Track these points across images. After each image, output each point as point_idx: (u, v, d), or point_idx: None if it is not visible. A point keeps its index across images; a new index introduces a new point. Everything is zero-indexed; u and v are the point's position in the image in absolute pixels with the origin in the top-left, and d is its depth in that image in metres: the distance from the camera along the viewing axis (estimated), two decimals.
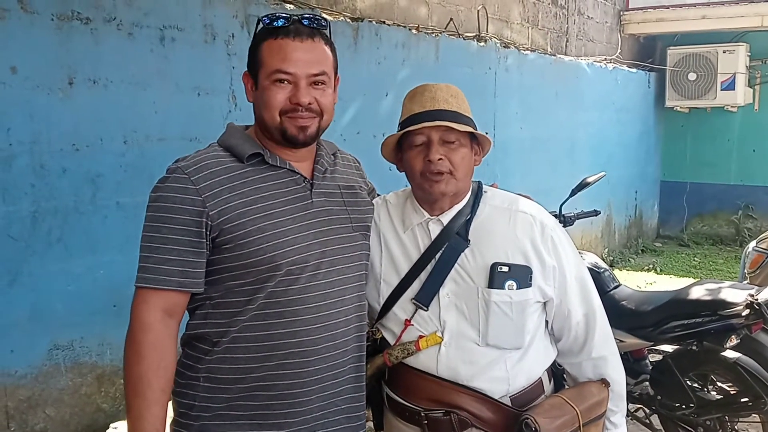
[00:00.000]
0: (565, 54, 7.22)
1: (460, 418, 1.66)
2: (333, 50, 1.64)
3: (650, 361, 3.25)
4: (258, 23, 1.62)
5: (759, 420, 3.00)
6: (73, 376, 3.22)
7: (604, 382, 1.77)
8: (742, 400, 2.94)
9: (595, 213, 3.56)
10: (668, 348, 3.20)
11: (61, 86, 3.08)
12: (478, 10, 5.85)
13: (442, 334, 1.68)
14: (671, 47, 8.58)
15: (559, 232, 1.75)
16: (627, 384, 1.90)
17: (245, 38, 3.72)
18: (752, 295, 2.88)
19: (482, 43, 5.78)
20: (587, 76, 7.36)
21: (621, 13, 8.43)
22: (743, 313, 2.86)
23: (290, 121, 1.57)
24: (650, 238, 9.06)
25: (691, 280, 4.53)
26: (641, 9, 8.40)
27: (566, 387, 1.83)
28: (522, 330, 1.68)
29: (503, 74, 6.00)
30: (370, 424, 1.87)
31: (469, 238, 1.70)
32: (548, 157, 6.68)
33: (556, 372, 1.84)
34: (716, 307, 2.92)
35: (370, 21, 4.69)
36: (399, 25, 4.99)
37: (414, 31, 5.08)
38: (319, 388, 1.59)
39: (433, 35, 5.27)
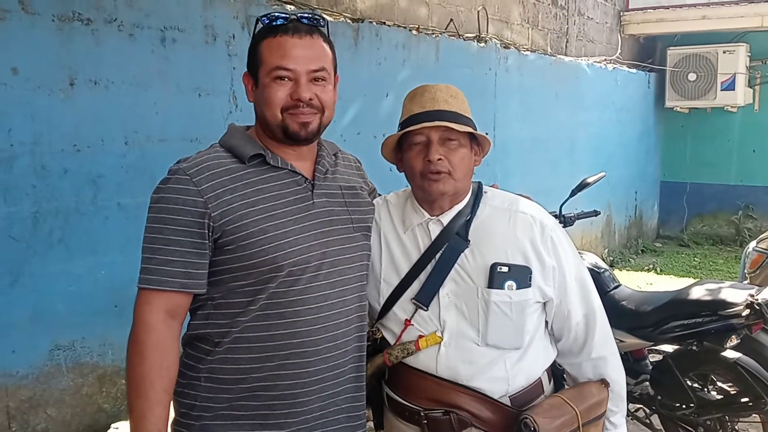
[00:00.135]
0: (565, 54, 7.22)
1: (460, 417, 1.66)
2: (332, 48, 1.65)
3: (650, 361, 3.25)
4: (257, 23, 1.63)
5: (759, 420, 3.00)
6: (75, 377, 3.22)
7: (604, 383, 1.77)
8: (743, 400, 2.94)
9: (595, 213, 3.56)
10: (668, 348, 3.21)
11: (62, 87, 3.09)
12: (478, 11, 5.86)
13: (442, 334, 1.68)
14: (671, 47, 8.58)
15: (558, 233, 1.76)
16: (627, 384, 1.90)
17: (246, 39, 3.72)
18: (752, 295, 2.88)
19: (482, 44, 5.78)
20: (587, 77, 7.36)
21: (621, 13, 8.44)
22: (743, 313, 2.86)
23: (292, 118, 1.58)
24: (650, 239, 9.07)
25: (691, 281, 4.53)
26: (641, 9, 8.41)
27: (566, 387, 1.83)
28: (521, 330, 1.69)
29: (503, 75, 6.01)
30: (371, 423, 1.87)
31: (469, 238, 1.71)
32: (548, 157, 6.68)
33: (556, 372, 1.84)
34: (716, 307, 2.92)
35: (371, 22, 4.70)
36: (399, 26, 5.00)
37: (414, 31, 5.09)
38: (319, 388, 1.59)
39: (434, 36, 5.27)
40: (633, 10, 8.44)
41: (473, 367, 1.67)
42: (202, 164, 1.55)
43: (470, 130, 1.68)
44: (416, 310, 1.71)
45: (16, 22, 2.94)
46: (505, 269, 1.66)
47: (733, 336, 2.94)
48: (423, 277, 1.71)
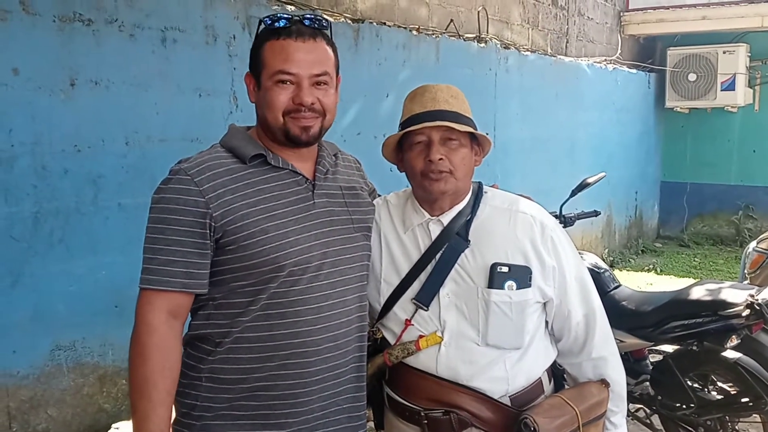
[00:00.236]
0: (565, 55, 7.22)
1: (460, 417, 1.67)
2: (334, 50, 1.65)
3: (651, 362, 3.25)
4: (260, 24, 1.63)
5: (759, 420, 3.00)
6: (75, 377, 3.23)
7: (604, 383, 1.78)
8: (743, 400, 2.94)
9: (596, 213, 3.56)
10: (669, 348, 3.21)
11: (62, 87, 3.09)
12: (478, 11, 5.86)
13: (442, 334, 1.68)
14: (671, 48, 8.58)
15: (558, 233, 1.76)
16: (627, 384, 1.90)
17: (246, 39, 3.72)
18: (752, 296, 2.88)
19: (482, 44, 5.78)
20: (587, 77, 7.36)
21: (621, 13, 8.44)
22: (743, 314, 2.86)
23: (293, 122, 1.58)
24: (650, 239, 9.07)
25: (691, 281, 4.53)
26: (641, 10, 8.41)
27: (566, 387, 1.84)
28: (522, 330, 1.69)
29: (503, 75, 6.01)
30: (371, 424, 1.87)
31: (470, 238, 1.71)
32: (548, 157, 6.69)
33: (557, 372, 1.84)
34: (716, 307, 2.92)
35: (371, 22, 4.70)
36: (399, 27, 5.00)
37: (414, 32, 5.09)
38: (320, 388, 1.59)
39: (434, 36, 5.27)
40: (633, 10, 8.44)
41: (473, 367, 1.67)
42: (204, 164, 1.55)
43: (471, 130, 1.68)
44: (416, 310, 1.71)
45: (17, 23, 2.94)
46: (505, 269, 1.66)
47: (734, 336, 2.94)
48: (423, 277, 1.71)
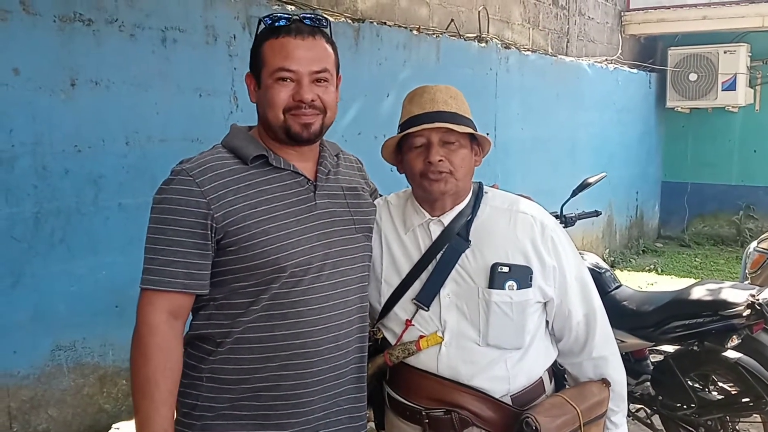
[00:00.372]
0: (566, 55, 7.22)
1: (461, 417, 1.67)
2: (334, 48, 1.65)
3: (651, 362, 3.25)
4: (259, 24, 1.63)
5: (760, 420, 3.00)
6: (76, 377, 3.23)
7: (605, 382, 1.78)
8: (744, 400, 2.94)
9: (596, 213, 3.56)
10: (669, 348, 3.21)
11: (63, 87, 3.09)
12: (479, 11, 5.86)
13: (443, 334, 1.68)
14: (672, 48, 8.58)
15: (559, 233, 1.76)
16: (628, 384, 1.90)
17: (247, 39, 3.72)
18: (753, 296, 2.88)
19: (483, 44, 5.78)
20: (588, 77, 7.36)
21: (622, 13, 8.44)
22: (744, 314, 2.86)
23: (294, 119, 1.58)
24: (651, 239, 9.06)
25: (692, 281, 4.52)
26: (642, 9, 8.40)
27: (567, 387, 1.84)
28: (522, 330, 1.69)
29: (504, 75, 6.01)
30: (372, 424, 1.87)
31: (470, 238, 1.71)
32: (549, 157, 6.68)
33: (557, 372, 1.84)
34: (717, 307, 2.92)
35: (371, 22, 4.70)
36: (400, 26, 5.00)
37: (415, 32, 5.09)
38: (322, 388, 1.59)
39: (434, 36, 5.27)
40: (634, 10, 8.44)
41: (474, 367, 1.67)
42: (205, 165, 1.55)
43: (470, 131, 1.68)
44: (417, 310, 1.71)
45: (18, 23, 2.94)
46: (505, 269, 1.66)
47: (734, 336, 2.94)
48: (424, 277, 1.71)
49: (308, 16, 1.61)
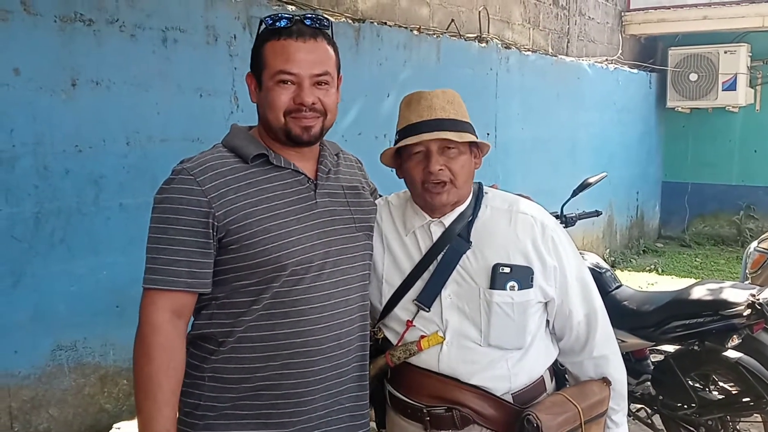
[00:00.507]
0: (566, 55, 7.22)
1: (463, 414, 1.67)
2: (335, 50, 1.65)
3: (652, 361, 3.25)
4: (260, 24, 1.63)
5: (761, 420, 3.00)
6: (76, 377, 3.23)
7: (606, 381, 1.78)
8: (744, 399, 2.94)
9: (597, 213, 3.57)
10: (670, 348, 3.21)
11: (64, 87, 3.09)
12: (479, 11, 5.86)
13: (444, 334, 1.68)
14: (672, 48, 8.58)
15: (559, 233, 1.76)
16: (629, 384, 1.91)
17: (247, 39, 3.73)
18: (754, 295, 2.88)
19: (483, 44, 5.79)
20: (588, 77, 7.36)
21: (622, 13, 8.44)
22: (745, 313, 2.86)
23: (294, 122, 1.58)
24: (652, 239, 9.06)
25: (692, 281, 4.52)
26: (642, 10, 8.40)
27: (568, 386, 1.84)
28: (524, 330, 1.69)
29: (504, 75, 6.01)
30: (373, 423, 1.88)
31: (471, 239, 1.71)
32: (549, 157, 6.68)
33: (558, 371, 1.84)
34: (718, 307, 2.92)
35: (372, 22, 4.70)
36: (400, 26, 5.00)
37: (415, 32, 5.09)
38: (323, 387, 1.60)
39: (435, 36, 5.28)
40: (634, 10, 8.44)
41: (475, 367, 1.67)
42: (206, 164, 1.55)
43: (470, 139, 1.67)
44: (418, 311, 1.71)
45: (18, 23, 2.95)
46: (506, 270, 1.66)
47: (735, 336, 2.94)
48: (425, 278, 1.71)
49: (309, 16, 1.61)
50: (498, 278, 1.66)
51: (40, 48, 3.01)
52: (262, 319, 1.55)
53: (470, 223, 1.72)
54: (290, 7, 4.10)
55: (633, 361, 3.20)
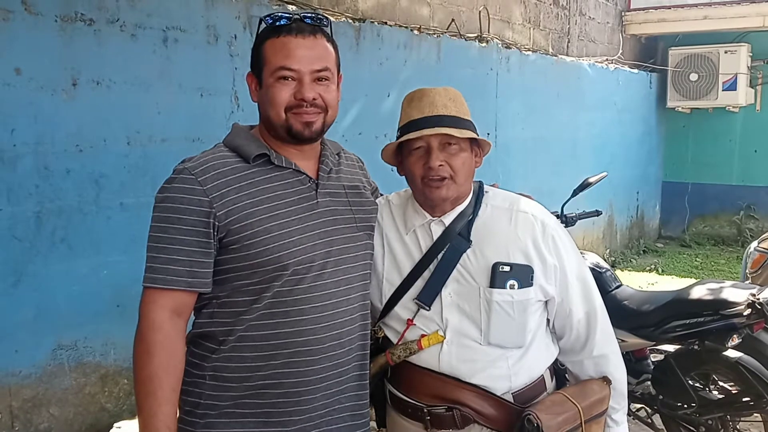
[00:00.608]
0: (567, 54, 7.22)
1: (463, 414, 1.67)
2: (335, 47, 1.66)
3: (652, 361, 3.25)
4: (260, 23, 1.63)
5: (761, 419, 3.00)
6: (77, 376, 3.23)
7: (606, 380, 1.78)
8: (744, 399, 2.95)
9: (597, 213, 3.57)
10: (670, 348, 3.21)
11: (64, 87, 3.10)
12: (479, 11, 5.86)
13: (444, 333, 1.69)
14: (673, 48, 8.58)
15: (560, 231, 1.76)
16: (629, 384, 1.91)
17: (248, 39, 3.73)
18: (754, 295, 2.88)
19: (484, 44, 5.79)
20: (589, 77, 7.36)
21: (622, 13, 8.44)
22: (745, 313, 2.87)
23: (295, 117, 1.58)
24: (652, 239, 9.06)
25: (692, 281, 4.53)
26: (643, 9, 8.40)
27: (568, 385, 1.84)
28: (524, 329, 1.69)
29: (505, 75, 6.01)
30: (373, 423, 1.88)
31: (471, 238, 1.71)
32: (550, 157, 6.69)
33: (559, 370, 1.84)
34: (718, 306, 2.93)
35: (372, 22, 4.71)
36: (401, 26, 5.00)
37: (416, 31, 5.09)
38: (324, 386, 1.60)
39: (435, 36, 5.28)
40: (634, 10, 8.44)
41: (475, 365, 1.68)
42: (207, 164, 1.56)
43: (470, 136, 1.68)
44: (418, 309, 1.71)
45: (19, 23, 2.95)
46: (506, 268, 1.66)
47: (735, 335, 2.94)
48: (425, 276, 1.71)
49: (309, 15, 1.62)
50: (498, 277, 1.66)
51: (41, 48, 3.02)
52: (263, 318, 1.55)
53: (470, 222, 1.73)
54: (291, 7, 4.10)
55: (633, 360, 3.20)
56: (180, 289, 1.51)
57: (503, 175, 5.67)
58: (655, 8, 8.35)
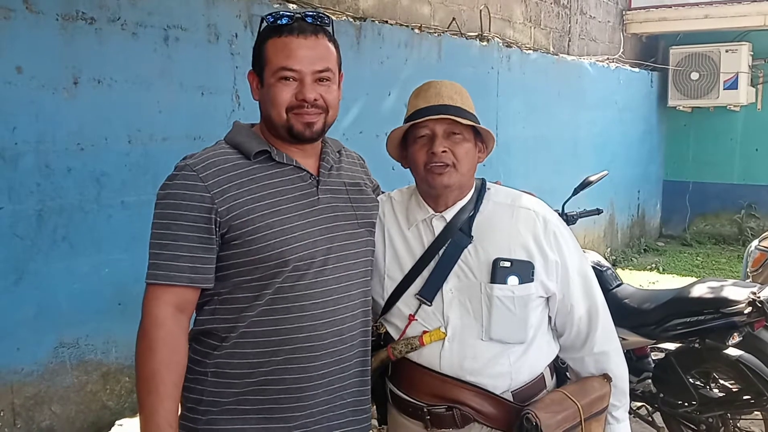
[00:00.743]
0: (568, 53, 7.22)
1: (463, 413, 1.67)
2: (336, 47, 1.66)
3: (653, 359, 3.26)
4: (261, 22, 1.63)
5: (761, 417, 3.01)
6: (79, 374, 3.24)
7: (606, 377, 1.78)
8: (745, 397, 2.95)
9: (598, 212, 3.57)
10: (671, 346, 3.21)
11: (66, 86, 3.10)
12: (480, 10, 5.86)
13: (446, 330, 1.69)
14: (674, 46, 8.58)
15: (561, 228, 1.77)
16: (630, 382, 1.91)
17: (249, 38, 3.73)
18: (754, 293, 2.89)
19: (485, 43, 5.79)
20: (590, 76, 7.36)
21: (623, 12, 8.43)
22: (746, 311, 2.87)
23: (296, 118, 1.59)
24: (653, 238, 9.06)
25: (693, 279, 4.53)
26: (644, 8, 8.40)
27: (569, 382, 1.84)
28: (525, 324, 1.69)
29: (506, 74, 6.01)
30: (375, 420, 1.88)
31: (472, 234, 1.72)
32: (551, 156, 6.69)
33: (559, 368, 1.85)
34: (719, 304, 2.93)
35: (373, 20, 4.71)
36: (402, 25, 5.00)
37: (417, 30, 5.10)
38: (326, 382, 1.60)
39: (436, 35, 5.28)
40: (635, 9, 8.44)
41: (477, 362, 1.68)
42: (209, 160, 1.56)
43: (473, 123, 1.69)
44: (420, 305, 1.72)
45: (21, 21, 2.95)
46: (507, 264, 1.67)
47: (736, 334, 2.95)
48: (426, 272, 1.72)
49: (310, 14, 1.62)
50: (498, 272, 1.67)
51: (42, 46, 3.02)
52: (265, 314, 1.55)
53: (472, 218, 1.73)
54: (291, 6, 4.11)
55: (634, 359, 3.21)
56: (182, 285, 1.51)
57: (504, 173, 5.67)
58: (656, 7, 8.35)
